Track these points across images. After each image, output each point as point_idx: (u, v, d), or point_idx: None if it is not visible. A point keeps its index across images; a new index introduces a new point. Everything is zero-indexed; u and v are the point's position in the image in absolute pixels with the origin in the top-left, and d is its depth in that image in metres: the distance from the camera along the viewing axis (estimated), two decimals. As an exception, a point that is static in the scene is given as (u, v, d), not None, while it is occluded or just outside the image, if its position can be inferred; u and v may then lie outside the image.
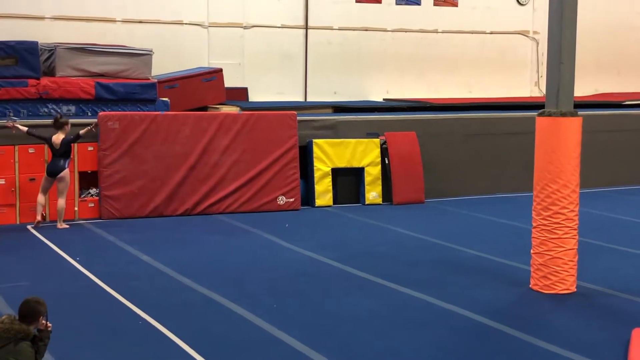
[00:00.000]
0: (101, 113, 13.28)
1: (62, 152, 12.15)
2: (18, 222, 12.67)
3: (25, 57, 13.24)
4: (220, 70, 15.50)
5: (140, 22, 15.41)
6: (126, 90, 13.85)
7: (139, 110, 13.73)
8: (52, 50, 13.72)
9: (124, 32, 15.15)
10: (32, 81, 13.28)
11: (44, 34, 14.24)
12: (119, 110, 13.58)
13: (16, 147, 12.64)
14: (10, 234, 12.04)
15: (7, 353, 5.62)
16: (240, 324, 8.05)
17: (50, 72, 13.67)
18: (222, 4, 16.17)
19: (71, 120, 12.58)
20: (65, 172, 12.13)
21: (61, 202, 12.24)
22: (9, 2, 14.42)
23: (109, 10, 15.18)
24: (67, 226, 12.34)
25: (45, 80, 13.43)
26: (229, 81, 15.73)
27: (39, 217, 12.29)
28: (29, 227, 12.34)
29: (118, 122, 13.22)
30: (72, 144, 12.23)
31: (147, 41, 14.87)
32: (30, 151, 12.58)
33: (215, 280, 9.49)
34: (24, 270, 9.95)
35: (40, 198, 12.29)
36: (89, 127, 12.21)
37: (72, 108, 13.49)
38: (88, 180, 13.32)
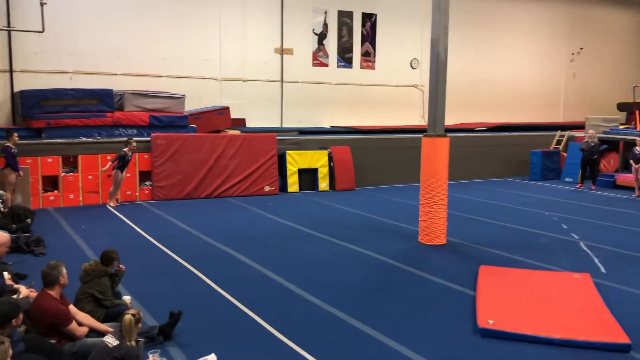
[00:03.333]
0: (153, 134, 13.22)
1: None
2: (100, 202, 12.61)
3: (104, 99, 13.11)
4: (228, 107, 15.42)
5: (178, 77, 15.30)
6: (169, 120, 13.73)
7: (177, 132, 13.66)
8: (122, 94, 13.58)
9: (168, 83, 15.03)
10: (108, 114, 13.15)
11: (117, 84, 14.11)
12: (164, 132, 13.50)
13: (99, 156, 12.59)
14: (96, 209, 11.99)
15: (93, 285, 5.67)
16: (240, 265, 8.12)
17: (121, 108, 13.53)
18: (229, 66, 16.10)
19: (135, 139, 12.59)
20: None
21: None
22: (95, 63, 14.25)
23: (158, 69, 15.04)
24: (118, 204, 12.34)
25: (117, 114, 13.30)
26: (234, 114, 15.68)
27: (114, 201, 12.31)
28: (107, 205, 12.27)
29: (164, 140, 13.17)
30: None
31: (182, 89, 14.77)
32: (107, 158, 12.52)
33: (225, 238, 9.52)
34: (105, 232, 9.94)
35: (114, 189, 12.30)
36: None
37: (135, 131, 13.37)
38: (145, 175, 13.22)
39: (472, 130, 18.37)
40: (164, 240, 9.27)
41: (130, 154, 12.19)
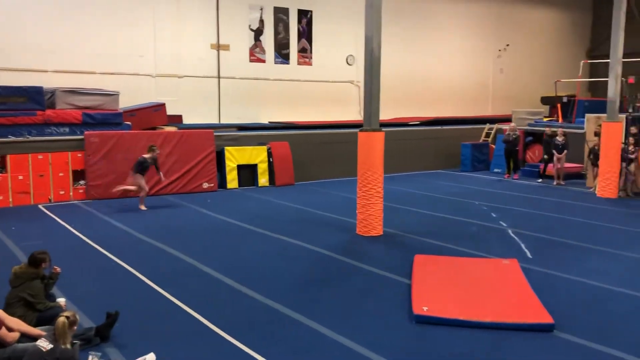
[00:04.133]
0: (86, 132, 12.77)
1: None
2: (32, 203, 12.07)
3: (33, 96, 12.51)
4: (164, 104, 15.09)
5: (112, 73, 14.81)
6: (102, 117, 13.26)
7: (111, 130, 13.23)
8: (53, 91, 13.02)
9: (102, 80, 14.50)
10: (39, 112, 12.57)
11: (49, 81, 13.51)
12: (98, 130, 13.05)
13: (30, 155, 12.09)
14: (28, 211, 11.48)
15: (24, 288, 5.45)
16: (178, 262, 7.97)
17: (52, 105, 12.97)
18: (164, 62, 15.73)
19: (67, 137, 12.09)
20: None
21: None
22: (25, 59, 13.61)
23: (92, 65, 14.51)
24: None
25: (48, 112, 12.74)
26: (170, 111, 15.34)
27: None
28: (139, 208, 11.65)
29: (97, 138, 12.75)
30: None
31: (116, 86, 14.28)
32: (39, 157, 12.00)
33: (163, 236, 9.32)
34: (37, 233, 9.52)
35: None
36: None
37: (67, 129, 12.85)
38: (79, 174, 12.75)
39: (407, 125, 18.71)
40: (100, 240, 8.98)
41: (150, 160, 11.58)
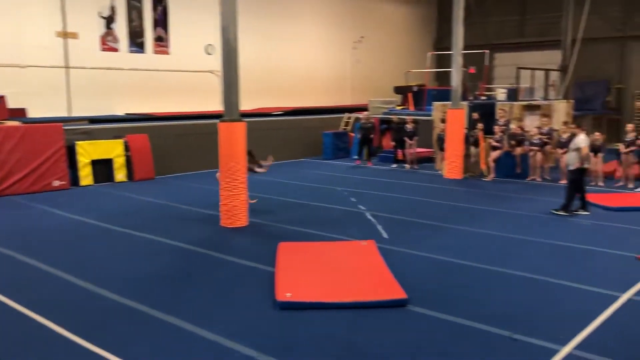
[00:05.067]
0: None
1: None
2: None
3: None
4: (3, 96, 13.77)
5: (-63, 62, 13.23)
6: None
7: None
8: None
9: None
10: None
11: None
12: None
13: None
14: None
15: None
16: (26, 268, 7.36)
17: None
18: (3, 50, 14.28)
19: None
20: None
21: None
22: None
23: None
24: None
25: None
26: (12, 104, 14.02)
27: None
28: None
29: None
30: None
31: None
32: None
33: (7, 240, 8.52)
34: None
35: None
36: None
37: None
38: None
39: (270, 115, 18.82)
40: None
41: None
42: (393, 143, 16.83)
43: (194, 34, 18.29)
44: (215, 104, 18.73)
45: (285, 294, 6.03)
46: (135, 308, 5.94)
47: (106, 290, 6.42)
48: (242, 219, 9.51)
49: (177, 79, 17.95)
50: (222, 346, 5.07)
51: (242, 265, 7.41)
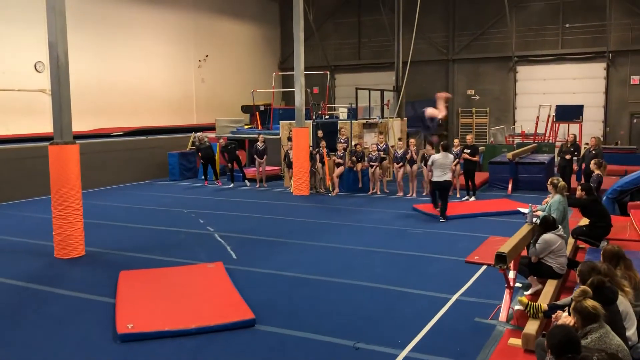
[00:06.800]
0: None
1: None
2: None
3: None
4: None
5: None
6: None
7: None
8: None
9: None
10: None
11: None
12: None
13: None
14: None
15: None
16: None
17: None
18: None
19: None
20: None
21: None
22: None
23: None
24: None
25: None
26: None
27: None
28: None
29: None
30: None
31: None
32: None
33: None
34: None
35: None
36: None
37: None
38: None
39: (109, 136, 17.84)
40: None
41: None
42: (229, 165, 16.75)
43: (20, 51, 16.77)
44: (46, 126, 17.32)
45: (126, 325, 5.68)
46: (-53, 359, 5.22)
47: None
48: (78, 249, 8.86)
49: (4, 98, 16.32)
50: (53, 390, 4.63)
51: (77, 298, 6.87)
